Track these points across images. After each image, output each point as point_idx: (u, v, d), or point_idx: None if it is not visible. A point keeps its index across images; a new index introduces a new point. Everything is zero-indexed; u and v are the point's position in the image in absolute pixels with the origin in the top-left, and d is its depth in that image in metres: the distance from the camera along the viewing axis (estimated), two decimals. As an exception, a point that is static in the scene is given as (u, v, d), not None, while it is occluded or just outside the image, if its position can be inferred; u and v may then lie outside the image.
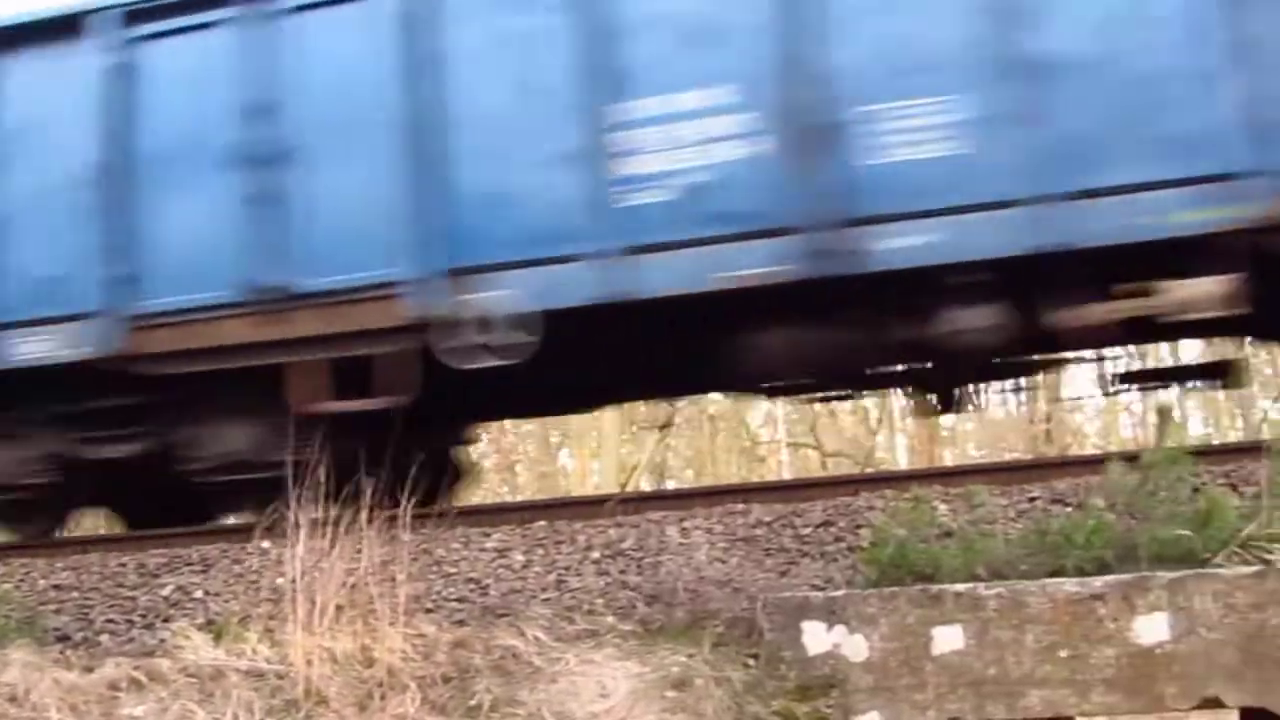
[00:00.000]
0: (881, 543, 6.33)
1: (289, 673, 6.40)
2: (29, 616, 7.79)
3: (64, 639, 7.62)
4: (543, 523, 8.27)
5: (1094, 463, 7.76)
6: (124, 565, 8.53)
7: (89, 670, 6.79)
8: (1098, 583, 5.57)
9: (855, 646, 5.74)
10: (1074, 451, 22.44)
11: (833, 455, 25.61)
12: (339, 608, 6.61)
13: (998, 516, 6.89)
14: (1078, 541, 5.98)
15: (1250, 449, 7.21)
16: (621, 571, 7.35)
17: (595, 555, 7.60)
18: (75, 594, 8.24)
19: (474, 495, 27.69)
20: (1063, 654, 5.49)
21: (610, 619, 6.66)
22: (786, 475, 24.03)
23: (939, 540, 6.41)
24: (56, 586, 8.40)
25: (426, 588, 7.34)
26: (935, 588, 5.76)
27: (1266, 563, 5.64)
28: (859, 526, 7.35)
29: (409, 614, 6.68)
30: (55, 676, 6.66)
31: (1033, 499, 7.35)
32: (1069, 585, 5.59)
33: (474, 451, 11.97)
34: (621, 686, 6.03)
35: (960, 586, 5.74)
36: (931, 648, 5.64)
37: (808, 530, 7.49)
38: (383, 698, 6.21)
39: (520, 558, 7.73)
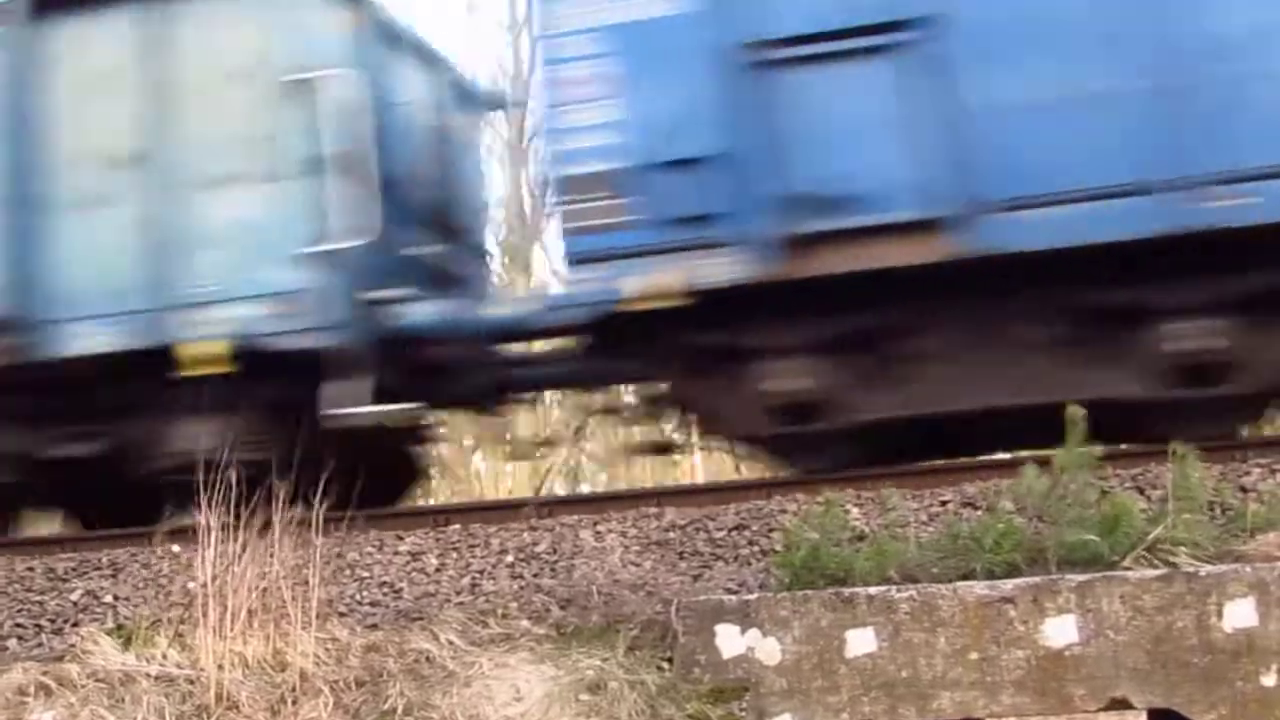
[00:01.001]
0: (794, 546, 6.35)
1: (200, 677, 6.35)
2: (-65, 622, 7.69)
3: (-30, 644, 7.53)
4: (457, 526, 8.26)
5: (1004, 467, 7.84)
6: (31, 570, 8.42)
7: (-4, 675, 6.71)
8: (1008, 585, 5.63)
9: (769, 650, 5.77)
10: (983, 456, 22.64)
11: (746, 459, 25.64)
12: (250, 612, 6.57)
13: (909, 520, 6.94)
14: (988, 545, 6.03)
15: (1156, 453, 7.31)
16: (536, 575, 7.35)
17: (509, 559, 7.59)
18: (-19, 598, 8.14)
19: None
20: (973, 656, 5.55)
21: (524, 623, 6.65)
22: (700, 479, 24.04)
23: (851, 544, 6.44)
24: (-37, 591, 8.29)
25: (339, 592, 7.30)
26: (848, 591, 5.81)
27: (1172, 566, 5.72)
28: (772, 530, 7.38)
29: (322, 618, 6.66)
30: (-38, 681, 6.58)
31: (944, 502, 7.42)
32: (979, 588, 5.65)
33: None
34: (536, 690, 6.03)
35: (873, 590, 5.78)
36: (845, 650, 5.68)
37: (721, 534, 7.52)
38: (295, 702, 6.18)
39: (434, 561, 7.71)
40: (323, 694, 6.18)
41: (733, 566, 7.10)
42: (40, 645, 7.35)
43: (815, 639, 5.72)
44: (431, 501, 15.98)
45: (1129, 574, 5.62)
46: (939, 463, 8.79)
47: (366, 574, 7.64)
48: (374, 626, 6.88)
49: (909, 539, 6.47)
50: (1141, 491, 6.98)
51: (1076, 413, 6.20)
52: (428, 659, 6.34)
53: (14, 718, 6.35)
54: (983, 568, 5.96)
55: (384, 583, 7.52)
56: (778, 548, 6.85)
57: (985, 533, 6.11)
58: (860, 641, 5.67)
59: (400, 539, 8.06)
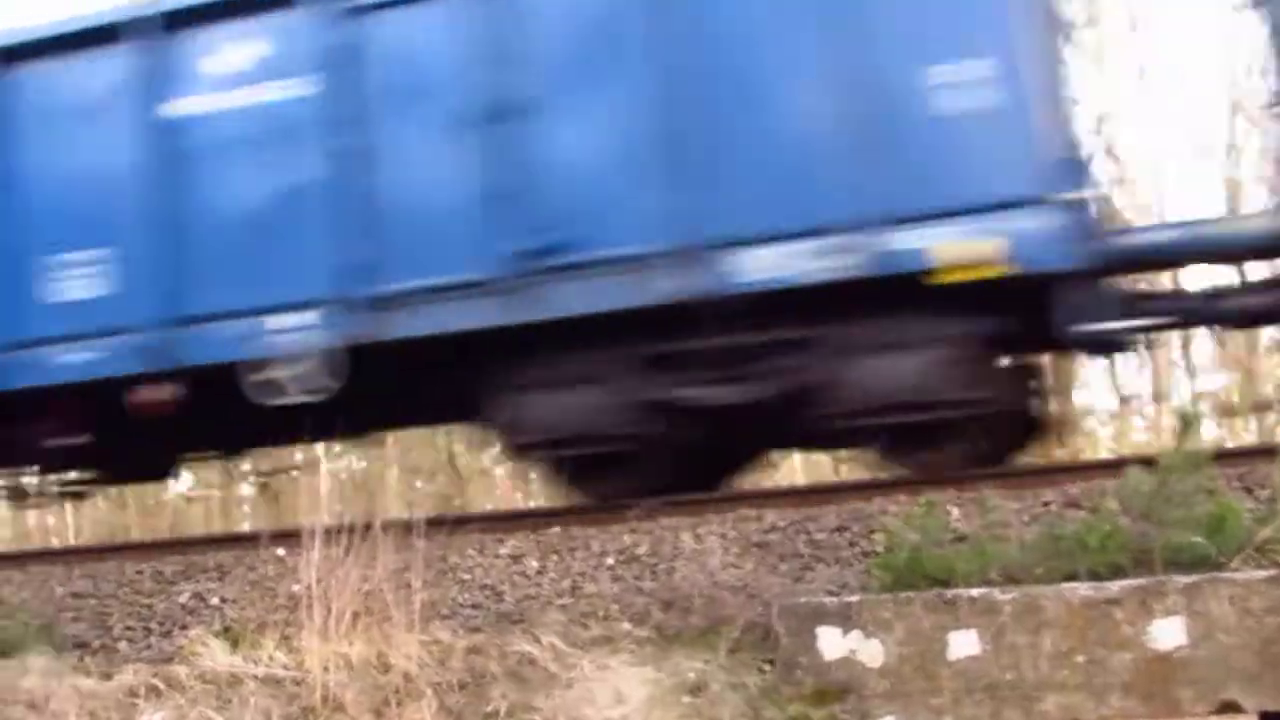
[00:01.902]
0: (896, 548, 6.33)
1: (305, 679, 6.42)
2: (47, 624, 7.83)
3: (82, 646, 7.65)
4: (557, 529, 8.30)
5: (1108, 467, 7.75)
6: (141, 573, 8.56)
7: (107, 677, 6.83)
8: (1114, 587, 5.57)
9: (871, 651, 5.75)
10: (1087, 456, 22.39)
11: (846, 461, 25.53)
12: (355, 614, 6.64)
13: (1011, 521, 6.88)
14: (1092, 546, 5.96)
15: (1263, 452, 7.20)
16: (636, 578, 7.36)
17: (610, 561, 7.62)
18: (93, 601, 8.28)
19: (488, 502, 27.66)
20: (1079, 659, 5.48)
21: (625, 625, 6.67)
22: (800, 481, 23.96)
23: (953, 545, 6.41)
24: (75, 594, 8.43)
25: (442, 594, 7.35)
26: (950, 592, 5.77)
27: (1281, 566, 5.64)
28: (873, 532, 7.35)
29: (424, 620, 6.70)
30: (74, 684, 6.71)
31: (1046, 503, 7.35)
32: (1084, 590, 5.59)
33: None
34: (637, 692, 6.04)
35: (975, 591, 5.74)
36: (947, 653, 5.64)
37: (822, 536, 7.50)
38: (399, 704, 6.23)
39: (535, 564, 7.75)
40: (426, 696, 6.23)
41: (834, 568, 7.07)
42: (149, 647, 7.46)
43: (917, 641, 5.69)
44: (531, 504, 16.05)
45: (1237, 575, 5.54)
46: (1041, 463, 8.71)
47: (468, 576, 7.69)
48: (476, 629, 6.92)
49: (1011, 540, 6.41)
50: (1249, 491, 6.88)
51: (1189, 412, 6.13)
52: (529, 661, 6.37)
53: (125, 718, 6.46)
54: (1087, 569, 5.90)
55: (485, 585, 7.57)
56: (879, 549, 6.82)
57: (1089, 534, 6.04)
58: (963, 643, 5.63)
59: (501, 541, 8.11)
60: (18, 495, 12.07)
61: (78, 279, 10.41)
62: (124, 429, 10.51)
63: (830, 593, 6.55)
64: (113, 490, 30.34)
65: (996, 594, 5.68)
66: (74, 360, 10.37)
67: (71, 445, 10.68)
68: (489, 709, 6.13)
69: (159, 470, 12.79)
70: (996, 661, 5.58)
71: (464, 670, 6.40)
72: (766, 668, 6.05)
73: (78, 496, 13.24)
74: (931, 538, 6.31)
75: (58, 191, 10.61)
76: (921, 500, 6.73)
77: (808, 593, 6.60)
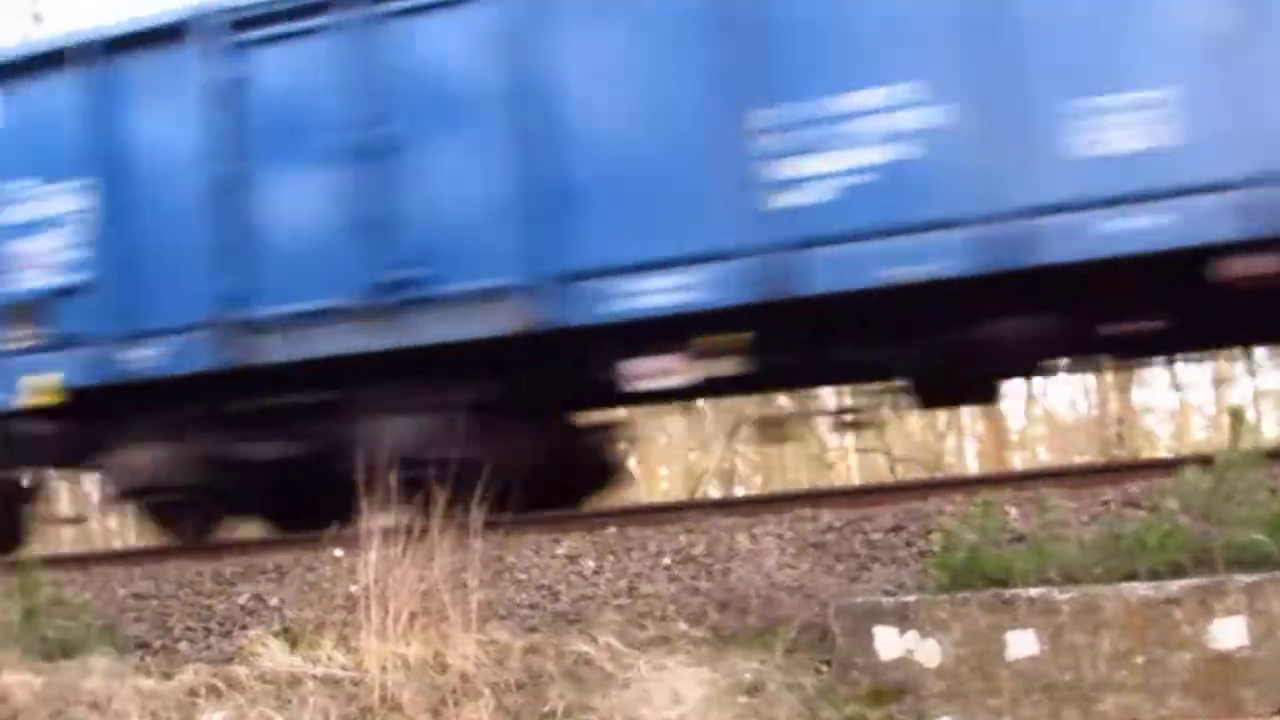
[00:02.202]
0: (953, 547, 6.31)
1: (364, 679, 6.46)
2: (109, 625, 7.91)
3: (143, 646, 7.73)
4: (613, 529, 8.30)
5: (1167, 465, 7.70)
6: (200, 574, 8.63)
7: (168, 677, 6.89)
8: (1173, 586, 5.52)
9: (928, 652, 5.73)
10: (1146, 454, 22.23)
11: (902, 460, 25.45)
12: (412, 614, 6.67)
13: (1069, 520, 6.84)
14: (1152, 545, 5.92)
15: (1327, 450, 7.12)
16: (692, 578, 7.36)
17: (666, 562, 7.62)
18: (154, 602, 8.35)
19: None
20: (1138, 659, 5.45)
21: (682, 625, 6.67)
22: (856, 481, 23.89)
23: (1010, 545, 6.38)
24: (135, 595, 8.51)
25: (498, 594, 7.37)
26: (1008, 592, 5.74)
27: (1344, 566, 5.58)
28: (929, 531, 7.32)
29: (481, 620, 6.73)
30: (135, 684, 6.76)
31: (1105, 503, 7.30)
32: (1143, 589, 5.55)
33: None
34: (694, 693, 6.04)
35: (1033, 591, 5.71)
36: (1005, 653, 5.61)
37: (878, 536, 7.47)
38: (456, 704, 6.25)
39: (591, 564, 7.76)
40: (483, 696, 6.26)
41: (890, 568, 7.05)
42: (209, 648, 7.52)
43: (975, 641, 5.67)
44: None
45: (1300, 574, 5.49)
46: (1099, 462, 8.65)
47: (524, 577, 7.71)
48: (533, 629, 6.94)
49: (1069, 540, 6.38)
50: (1312, 490, 6.81)
51: (1242, 410, 6.08)
52: (586, 661, 6.38)
53: (185, 718, 6.51)
54: (1147, 569, 5.85)
55: (542, 585, 7.58)
56: (935, 549, 6.79)
57: (1149, 533, 6.00)
58: (1021, 643, 5.60)
59: (557, 542, 8.12)
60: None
61: (1123, 128, 8.42)
62: (1200, 310, 8.80)
63: (887, 593, 6.53)
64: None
65: (1055, 594, 5.64)
66: (1136, 226, 8.40)
67: (1140, 331, 8.99)
68: (546, 709, 6.14)
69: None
70: (1055, 662, 5.55)
71: (521, 670, 6.42)
72: (823, 668, 6.04)
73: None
74: (989, 537, 6.28)
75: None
76: (979, 500, 6.69)
77: (864, 593, 6.59)
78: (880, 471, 25.20)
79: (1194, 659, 5.40)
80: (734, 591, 6.93)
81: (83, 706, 6.61)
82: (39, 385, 10.58)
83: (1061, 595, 5.62)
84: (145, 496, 10.71)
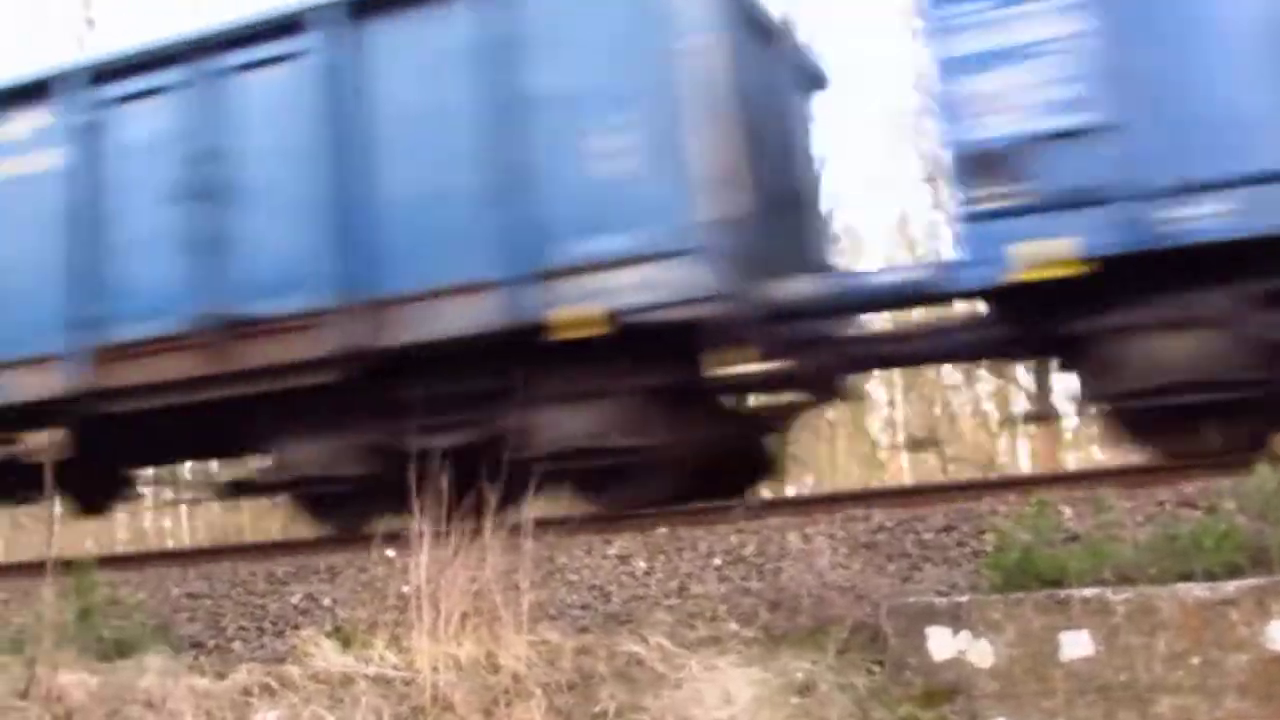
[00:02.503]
0: (1006, 548, 6.27)
1: (415, 679, 6.47)
2: (163, 624, 7.96)
3: (197, 646, 7.77)
4: (664, 530, 8.30)
5: (1224, 466, 7.62)
6: (253, 574, 8.67)
7: (222, 676, 6.92)
8: (1230, 587, 5.47)
9: (981, 652, 5.70)
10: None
11: (954, 460, 25.35)
12: (464, 615, 6.68)
13: (1124, 521, 6.79)
14: (1208, 545, 5.87)
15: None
16: (743, 578, 7.34)
17: (717, 562, 7.61)
18: (207, 602, 8.40)
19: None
20: (1194, 660, 5.40)
21: (733, 625, 6.66)
22: (907, 480, 23.82)
23: (1065, 545, 6.33)
24: (189, 595, 8.56)
25: (550, 595, 7.38)
26: (1062, 593, 5.70)
27: (1404, 566, 5.51)
28: (982, 532, 7.28)
29: (533, 621, 6.73)
30: (190, 683, 6.80)
31: (1160, 503, 7.24)
32: (1199, 590, 5.50)
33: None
34: (745, 693, 6.02)
35: (1088, 591, 5.67)
36: (1059, 654, 5.58)
37: (930, 535, 7.44)
38: (508, 704, 6.26)
39: (642, 564, 7.75)
40: (535, 696, 6.26)
41: (942, 568, 7.02)
42: (262, 647, 7.56)
43: (1028, 642, 5.63)
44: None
45: (1359, 575, 5.43)
46: (1155, 462, 8.57)
47: (575, 577, 7.72)
48: (584, 629, 6.94)
49: (1125, 540, 6.33)
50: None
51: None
52: (637, 662, 6.38)
53: (239, 718, 6.55)
54: (1203, 569, 5.80)
55: (593, 586, 7.59)
56: (988, 549, 6.76)
57: (1205, 533, 5.95)
58: (1075, 644, 5.56)
59: (608, 542, 8.12)
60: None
61: None
62: None
63: (939, 593, 6.50)
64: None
65: (1110, 594, 5.60)
66: None
67: None
68: (597, 709, 6.14)
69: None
70: (1110, 663, 5.50)
71: (573, 670, 6.42)
72: (875, 668, 6.01)
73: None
74: (1043, 537, 6.25)
75: None
76: (1033, 500, 6.65)
77: (916, 593, 6.56)
78: (932, 471, 25.12)
79: (1251, 660, 5.35)
80: (785, 591, 6.91)
81: (138, 705, 6.66)
82: (1041, 254, 8.52)
83: (1116, 596, 5.58)
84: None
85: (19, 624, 8.17)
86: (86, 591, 7.73)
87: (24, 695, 6.87)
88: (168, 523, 26.84)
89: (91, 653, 7.34)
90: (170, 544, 25.92)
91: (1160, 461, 8.49)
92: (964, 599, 5.92)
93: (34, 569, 9.35)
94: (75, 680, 6.90)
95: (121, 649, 7.49)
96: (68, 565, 7.82)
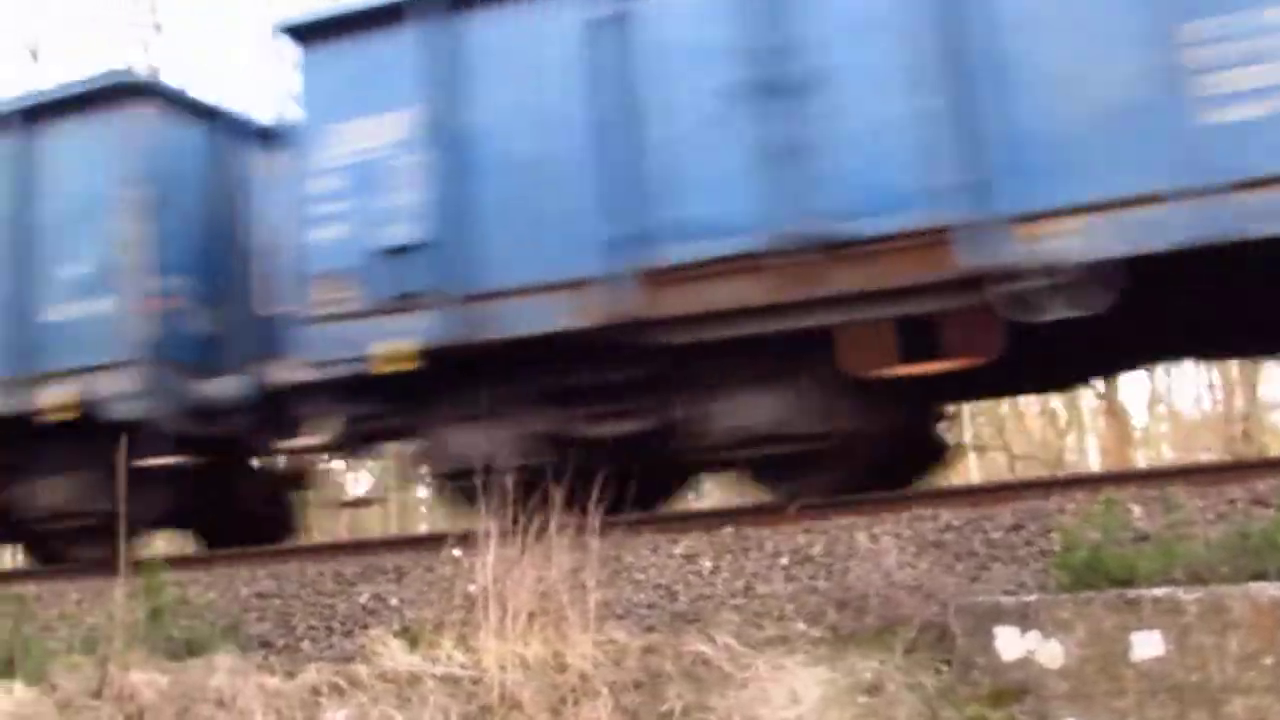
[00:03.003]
0: (1075, 547, 6.22)
1: (483, 678, 6.49)
2: (233, 624, 8.03)
3: (267, 645, 7.84)
4: (730, 529, 8.29)
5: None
6: (322, 574, 8.74)
7: (291, 676, 6.96)
8: (1303, 586, 5.42)
9: (1050, 652, 5.65)
10: (1274, 452, 21.81)
11: (1021, 458, 25.19)
12: (530, 614, 6.69)
13: (1195, 519, 6.73)
14: (1281, 544, 5.82)
15: None
16: (810, 577, 7.33)
17: (784, 561, 7.59)
18: (277, 601, 8.47)
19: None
20: (1267, 660, 5.34)
21: (800, 625, 6.64)
22: (974, 479, 23.70)
23: (1134, 544, 6.28)
24: (259, 594, 8.64)
25: (616, 594, 7.39)
26: (1132, 592, 5.65)
27: None
28: (1050, 530, 7.23)
29: (599, 620, 6.74)
30: (259, 682, 6.85)
31: (1231, 501, 7.17)
32: (1273, 589, 5.44)
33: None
34: (812, 692, 6.01)
35: (1158, 591, 5.62)
36: (1130, 654, 5.53)
37: (998, 534, 7.40)
38: (575, 703, 6.27)
39: (709, 564, 7.75)
40: (602, 695, 6.27)
41: (1011, 568, 6.98)
42: (331, 647, 7.61)
43: (1098, 642, 5.59)
44: (704, 504, 16.07)
45: None
46: (1227, 460, 8.49)
47: (642, 576, 7.72)
48: (651, 629, 6.94)
49: (1196, 538, 6.27)
50: None
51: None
52: (704, 661, 6.37)
53: (309, 717, 6.59)
54: (1276, 568, 5.74)
55: (659, 585, 7.59)
56: (1056, 548, 6.71)
57: (1278, 531, 5.89)
58: (1146, 644, 5.51)
59: (675, 542, 8.13)
60: None
61: None
62: None
63: (1007, 592, 6.46)
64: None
65: (1180, 594, 5.55)
66: None
67: None
68: (664, 708, 6.14)
69: None
70: (1181, 663, 5.45)
71: (639, 670, 6.43)
72: (943, 668, 5.98)
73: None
74: (1112, 536, 6.20)
75: None
76: (1102, 498, 6.61)
77: (984, 592, 6.52)
78: (1000, 469, 24.96)
79: (1326, 660, 5.29)
80: (852, 591, 6.89)
81: (208, 704, 6.71)
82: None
83: (1187, 595, 5.52)
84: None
85: (91, 624, 8.27)
86: (156, 592, 7.80)
87: (97, 694, 6.94)
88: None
89: (162, 652, 7.41)
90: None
91: (1233, 459, 8.40)
92: (1032, 598, 5.88)
93: (106, 569, 9.49)
94: (146, 679, 6.96)
95: (191, 648, 7.55)
96: (138, 566, 7.89)
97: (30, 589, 9.23)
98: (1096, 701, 5.53)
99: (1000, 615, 5.80)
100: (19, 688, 7.25)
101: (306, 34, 10.54)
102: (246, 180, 12.16)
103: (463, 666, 6.66)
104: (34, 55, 29.39)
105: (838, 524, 7.97)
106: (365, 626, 7.72)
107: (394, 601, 8.07)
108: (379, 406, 10.27)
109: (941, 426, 11.10)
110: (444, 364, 9.80)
